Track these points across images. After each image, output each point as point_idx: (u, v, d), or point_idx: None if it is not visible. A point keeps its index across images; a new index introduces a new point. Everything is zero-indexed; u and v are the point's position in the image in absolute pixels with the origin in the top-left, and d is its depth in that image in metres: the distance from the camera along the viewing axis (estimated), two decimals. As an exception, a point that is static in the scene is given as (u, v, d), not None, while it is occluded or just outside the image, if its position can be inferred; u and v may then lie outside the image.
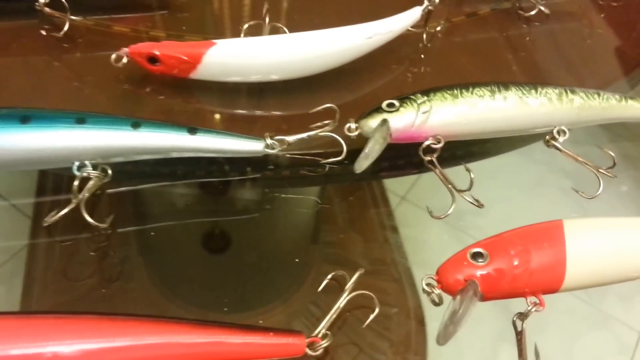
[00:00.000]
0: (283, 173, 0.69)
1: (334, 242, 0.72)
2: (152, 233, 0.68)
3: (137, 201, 0.74)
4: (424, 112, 0.63)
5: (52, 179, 0.73)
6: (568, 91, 0.68)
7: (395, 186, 0.73)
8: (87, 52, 0.75)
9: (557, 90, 0.67)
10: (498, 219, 0.67)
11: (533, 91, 0.66)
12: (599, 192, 0.65)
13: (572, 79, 0.83)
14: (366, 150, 0.60)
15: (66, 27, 0.73)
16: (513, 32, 0.88)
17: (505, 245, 0.53)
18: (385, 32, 0.72)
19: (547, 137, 0.68)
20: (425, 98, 0.64)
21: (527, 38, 0.87)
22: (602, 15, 0.93)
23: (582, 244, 0.54)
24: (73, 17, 0.74)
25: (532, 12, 0.86)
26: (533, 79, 0.81)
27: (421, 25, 0.79)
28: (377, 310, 0.53)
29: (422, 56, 0.81)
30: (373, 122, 0.62)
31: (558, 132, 0.68)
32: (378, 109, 0.63)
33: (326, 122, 0.62)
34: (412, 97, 0.64)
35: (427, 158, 0.64)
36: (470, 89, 0.65)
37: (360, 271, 0.53)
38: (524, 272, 0.52)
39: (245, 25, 0.74)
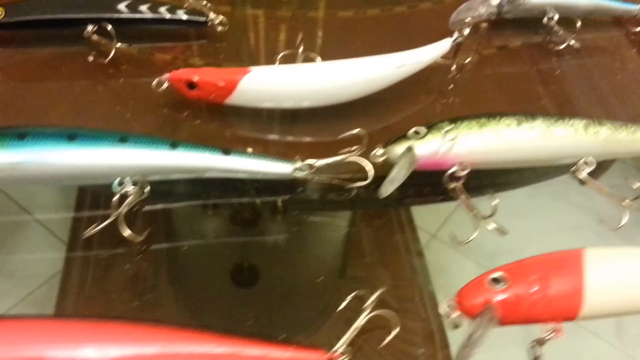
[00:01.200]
0: (312, 197, 0.72)
1: (361, 278, 0.74)
2: (180, 257, 0.71)
3: (169, 226, 0.78)
4: (450, 140, 0.65)
5: (90, 201, 0.78)
6: (595, 123, 0.69)
7: (426, 224, 0.75)
8: (129, 77, 0.79)
9: (583, 122, 0.69)
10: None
11: (560, 122, 0.68)
12: (623, 223, 0.66)
13: (601, 112, 0.84)
14: (391, 175, 0.63)
15: (112, 54, 0.78)
16: (543, 65, 0.90)
17: (525, 271, 0.55)
18: (414, 62, 0.75)
19: (573, 168, 0.69)
20: (452, 126, 0.66)
21: (557, 71, 0.89)
22: (634, 50, 0.95)
23: (602, 272, 0.55)
24: (119, 45, 0.79)
25: (562, 46, 0.88)
26: (562, 111, 0.83)
27: (450, 56, 0.81)
28: (397, 329, 0.55)
29: (451, 87, 0.83)
30: (399, 148, 0.65)
31: (585, 163, 0.69)
32: (405, 136, 0.66)
33: (354, 147, 0.65)
34: (439, 124, 0.66)
35: (452, 185, 0.67)
36: (497, 118, 0.67)
37: (382, 289, 0.55)
38: (542, 299, 0.53)
39: (280, 55, 0.78)
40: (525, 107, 0.83)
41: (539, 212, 0.78)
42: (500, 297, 0.53)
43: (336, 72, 0.72)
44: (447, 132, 0.65)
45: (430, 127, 0.66)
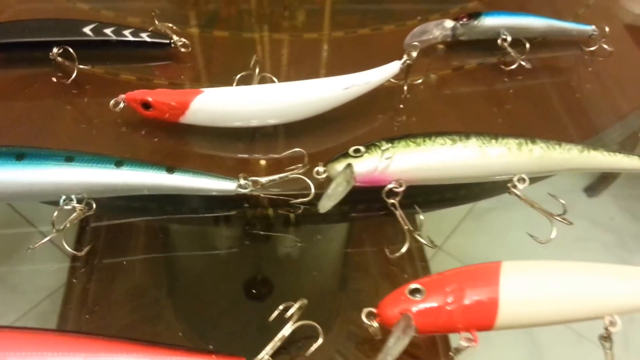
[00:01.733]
0: (259, 212, 0.75)
1: (364, 290, 0.76)
2: (181, 271, 0.74)
3: (168, 240, 0.81)
4: (387, 158, 0.69)
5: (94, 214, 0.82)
6: (528, 141, 0.72)
7: (432, 236, 0.77)
8: (93, 97, 0.84)
9: (517, 141, 0.72)
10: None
11: (493, 141, 0.71)
12: (553, 236, 0.69)
13: (553, 131, 0.87)
14: (329, 191, 0.66)
15: (74, 75, 0.83)
16: (497, 85, 0.93)
17: (442, 283, 0.58)
18: (363, 83, 0.78)
19: (509, 184, 0.72)
20: (389, 145, 0.70)
21: (511, 91, 0.92)
22: (590, 69, 0.98)
23: (516, 285, 0.58)
24: (81, 66, 0.83)
25: (513, 67, 0.91)
26: (513, 130, 0.85)
27: (402, 78, 0.85)
28: (320, 341, 0.58)
29: (404, 107, 0.86)
30: (339, 166, 0.69)
31: (518, 180, 0.71)
32: (345, 154, 0.70)
33: (297, 165, 0.69)
34: (377, 144, 0.70)
35: (390, 201, 0.70)
36: (433, 138, 0.70)
37: (302, 301, 0.58)
38: (457, 309, 0.56)
39: (238, 76, 0.82)
40: (477, 127, 0.85)
41: (543, 225, 0.80)
42: (416, 307, 0.56)
43: (284, 93, 0.75)
44: (384, 150, 0.69)
45: (369, 145, 0.69)
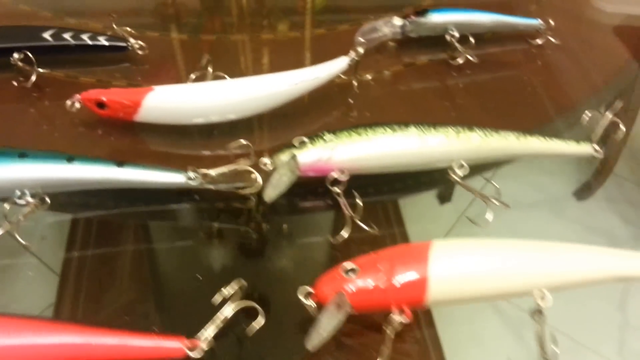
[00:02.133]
0: (208, 205, 0.78)
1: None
2: (170, 285, 0.76)
3: (158, 254, 0.83)
4: (330, 149, 0.72)
5: (82, 232, 0.84)
6: (466, 129, 0.75)
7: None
8: (53, 100, 0.86)
9: (455, 129, 0.75)
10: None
11: (432, 129, 0.74)
12: (489, 218, 0.72)
13: (500, 123, 0.89)
14: (273, 180, 0.69)
15: (33, 79, 0.86)
16: (447, 81, 0.96)
17: (375, 262, 0.61)
18: (311, 79, 0.81)
19: (449, 170, 0.75)
20: (332, 136, 0.73)
21: (460, 86, 0.96)
22: (538, 62, 1.02)
23: (445, 263, 0.60)
24: (40, 70, 0.87)
25: (460, 61, 0.95)
26: (461, 122, 0.89)
27: (351, 73, 0.88)
28: (261, 321, 0.60)
29: (354, 102, 0.89)
30: (284, 156, 0.72)
31: (458, 167, 0.75)
32: (290, 146, 0.73)
33: (245, 158, 0.72)
34: (321, 135, 0.73)
35: (335, 189, 0.73)
36: (374, 128, 0.74)
37: (239, 281, 0.61)
38: (389, 287, 0.59)
39: (192, 75, 0.85)
40: (428, 120, 0.89)
41: (538, 230, 0.82)
42: (350, 285, 0.59)
43: (234, 89, 0.78)
44: (327, 141, 0.72)
45: (313, 137, 0.73)
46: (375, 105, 0.91)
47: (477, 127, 0.76)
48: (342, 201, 0.72)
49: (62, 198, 0.73)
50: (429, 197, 0.86)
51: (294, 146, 0.73)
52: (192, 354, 0.56)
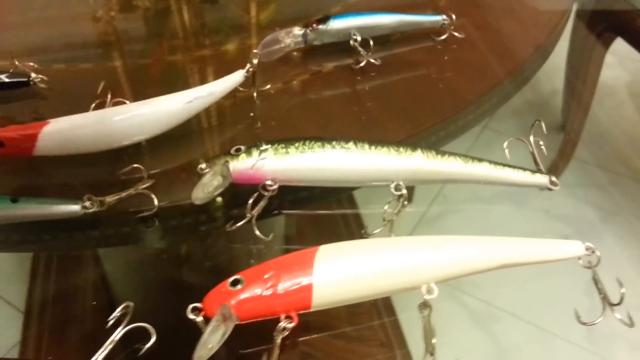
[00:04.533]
0: (112, 231, 0.80)
1: None
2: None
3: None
4: (262, 159, 0.74)
5: (43, 269, 0.85)
6: (409, 149, 0.76)
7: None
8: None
9: (396, 149, 0.76)
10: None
11: (372, 147, 0.76)
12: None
13: (405, 123, 0.92)
14: (203, 180, 0.72)
15: None
16: (354, 86, 0.98)
17: (261, 272, 0.63)
18: (206, 95, 0.83)
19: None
20: (268, 147, 0.75)
21: (366, 89, 0.98)
22: (445, 57, 1.05)
23: (329, 267, 0.62)
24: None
25: (362, 64, 0.97)
26: (369, 128, 0.91)
27: (251, 85, 0.91)
28: (152, 340, 0.62)
29: (256, 114, 0.91)
30: (218, 162, 0.74)
31: (395, 188, 0.75)
32: (227, 153, 0.75)
33: (142, 182, 0.74)
34: (257, 145, 0.75)
35: (265, 194, 0.74)
36: (310, 143, 0.76)
37: (127, 304, 0.63)
38: (274, 295, 0.61)
39: (93, 104, 0.87)
40: (333, 127, 0.92)
41: (503, 222, 0.83)
42: (235, 297, 0.61)
43: (127, 114, 0.80)
44: (261, 151, 0.74)
45: (249, 146, 0.75)
46: (279, 116, 0.93)
47: (421, 148, 0.77)
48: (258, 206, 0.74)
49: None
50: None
51: (229, 153, 0.75)
52: None
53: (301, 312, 0.62)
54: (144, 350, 0.62)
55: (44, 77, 0.93)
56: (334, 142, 0.75)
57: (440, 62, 1.02)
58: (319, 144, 0.75)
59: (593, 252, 0.66)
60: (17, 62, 0.95)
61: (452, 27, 1.04)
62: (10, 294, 0.79)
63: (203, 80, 0.94)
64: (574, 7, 1.33)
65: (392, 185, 0.75)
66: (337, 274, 0.62)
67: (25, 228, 0.76)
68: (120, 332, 0.60)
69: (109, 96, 0.86)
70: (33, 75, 0.92)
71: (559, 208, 0.87)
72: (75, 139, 0.80)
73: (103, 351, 0.59)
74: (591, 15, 1.45)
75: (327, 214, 0.88)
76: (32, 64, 0.96)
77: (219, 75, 0.88)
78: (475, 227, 0.76)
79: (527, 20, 1.17)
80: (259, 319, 0.63)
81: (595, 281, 0.66)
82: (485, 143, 0.83)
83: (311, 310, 0.63)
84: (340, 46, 1.02)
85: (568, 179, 0.94)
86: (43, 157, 0.81)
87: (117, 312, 0.60)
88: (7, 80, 0.92)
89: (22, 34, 1.12)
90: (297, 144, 0.75)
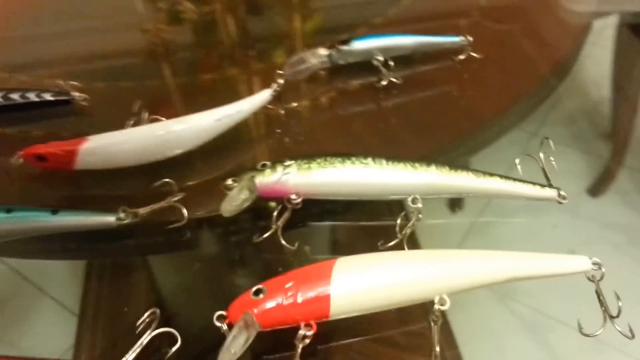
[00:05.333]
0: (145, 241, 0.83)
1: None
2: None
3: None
4: (286, 174, 0.76)
5: (97, 273, 0.88)
6: (424, 165, 0.77)
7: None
8: (3, 156, 0.91)
9: (412, 164, 0.77)
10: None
11: (389, 163, 0.77)
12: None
13: (424, 137, 0.94)
14: (231, 194, 0.74)
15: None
16: (378, 104, 1.00)
17: (282, 282, 0.65)
18: (234, 113, 0.86)
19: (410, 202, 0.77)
20: (292, 162, 0.77)
21: (390, 106, 1.00)
22: (464, 76, 1.06)
23: (346, 278, 0.64)
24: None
25: (384, 83, 0.99)
26: (388, 142, 0.93)
27: (278, 103, 0.93)
28: (178, 345, 0.64)
29: (282, 131, 0.94)
30: (245, 177, 0.76)
31: (412, 201, 0.77)
32: (253, 169, 0.77)
33: (175, 195, 0.77)
34: (282, 161, 0.77)
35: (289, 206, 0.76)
36: (331, 159, 0.77)
37: (154, 309, 0.65)
38: (294, 304, 0.63)
39: (130, 121, 0.90)
40: (359, 144, 0.94)
41: (552, 230, 0.82)
42: (257, 305, 0.63)
43: (159, 131, 0.83)
44: (285, 167, 0.76)
45: (274, 162, 0.77)
46: (307, 131, 0.95)
47: (436, 163, 0.78)
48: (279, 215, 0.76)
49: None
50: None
51: (256, 169, 0.77)
52: None
53: (321, 320, 0.63)
54: (170, 353, 0.63)
55: (86, 96, 0.96)
56: (353, 158, 0.77)
57: (459, 80, 1.03)
58: (340, 159, 0.77)
59: (599, 267, 0.66)
60: (61, 82, 0.98)
61: (470, 48, 1.04)
62: (65, 297, 0.81)
63: (249, 92, 0.96)
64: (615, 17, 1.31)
65: (409, 199, 0.76)
66: (353, 285, 0.64)
67: (66, 237, 0.79)
68: (147, 336, 0.62)
69: (146, 114, 0.89)
70: (75, 94, 0.96)
71: (610, 216, 0.86)
72: (112, 155, 0.83)
73: (131, 354, 0.61)
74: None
75: (351, 225, 0.89)
76: (74, 83, 1.00)
77: (265, 86, 0.92)
78: (526, 238, 0.77)
79: (545, 39, 1.17)
80: (280, 327, 0.64)
81: (598, 294, 0.66)
82: (535, 151, 0.82)
83: (330, 319, 0.64)
84: (364, 66, 1.03)
85: (619, 187, 0.92)
86: (82, 171, 0.84)
87: (144, 317, 0.62)
88: (51, 98, 0.95)
89: (65, 52, 1.17)
90: (319, 160, 0.77)
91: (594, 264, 0.67)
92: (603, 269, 0.66)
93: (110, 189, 0.87)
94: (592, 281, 0.67)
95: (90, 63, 1.15)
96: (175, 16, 1.28)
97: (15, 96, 0.95)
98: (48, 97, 0.96)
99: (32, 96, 0.96)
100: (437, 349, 0.63)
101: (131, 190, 0.86)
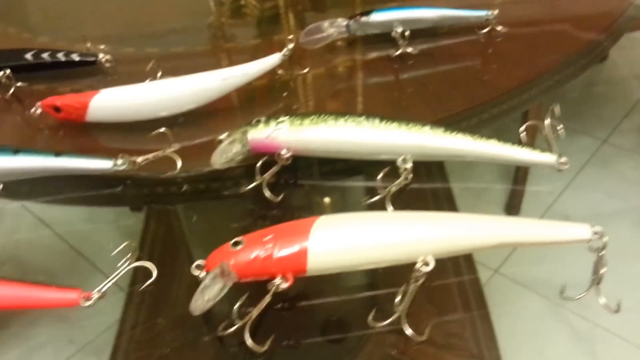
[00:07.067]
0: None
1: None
2: None
3: None
4: (278, 129, 0.72)
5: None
6: (418, 125, 0.72)
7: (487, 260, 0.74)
8: (29, 108, 0.90)
9: (407, 124, 0.72)
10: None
11: (383, 122, 0.72)
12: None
13: (434, 106, 0.87)
14: (221, 146, 0.71)
15: (12, 91, 0.90)
16: (393, 74, 0.94)
17: (261, 235, 0.60)
18: (240, 75, 0.82)
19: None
20: (285, 118, 0.73)
21: (404, 76, 0.93)
22: (486, 50, 0.98)
23: (325, 235, 0.59)
24: (19, 84, 0.91)
25: (398, 53, 0.93)
26: (398, 109, 0.87)
27: (289, 68, 0.88)
28: (154, 277, 0.61)
29: (294, 95, 0.90)
30: (238, 131, 0.73)
31: (403, 161, 0.71)
32: (247, 124, 0.74)
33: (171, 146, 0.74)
34: (276, 117, 0.74)
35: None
36: (324, 116, 0.73)
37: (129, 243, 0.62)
38: (270, 256, 0.59)
39: (146, 80, 0.87)
40: (365, 109, 0.89)
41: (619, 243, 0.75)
42: (234, 256, 0.59)
43: (169, 87, 0.80)
44: (278, 122, 0.72)
45: (268, 118, 0.74)
46: (318, 97, 0.92)
47: (431, 124, 0.73)
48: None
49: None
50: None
51: (250, 124, 0.74)
52: (84, 304, 0.59)
53: (299, 275, 0.59)
54: (144, 286, 0.62)
55: (110, 57, 0.94)
56: (346, 116, 0.72)
57: (480, 54, 0.96)
58: (333, 117, 0.72)
59: (601, 236, 0.58)
60: (89, 44, 0.97)
61: (496, 21, 0.96)
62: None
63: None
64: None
65: (400, 159, 0.70)
66: (332, 241, 0.59)
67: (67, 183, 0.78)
68: (125, 268, 0.61)
69: (159, 73, 0.86)
70: (101, 55, 0.94)
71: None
72: (119, 109, 0.82)
73: (108, 283, 0.60)
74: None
75: (345, 185, 0.83)
76: (102, 46, 0.97)
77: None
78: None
79: (578, 19, 1.07)
80: (258, 279, 0.60)
81: (596, 264, 0.58)
82: (603, 157, 0.75)
83: (308, 275, 0.59)
84: (384, 37, 0.96)
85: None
86: (94, 124, 0.83)
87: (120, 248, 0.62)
88: (77, 59, 0.94)
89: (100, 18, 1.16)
90: (312, 117, 0.72)
91: (595, 232, 0.58)
92: (605, 239, 0.58)
93: (116, 142, 0.84)
94: (595, 251, 0.59)
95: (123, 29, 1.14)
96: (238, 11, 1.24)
97: (45, 56, 0.94)
98: (75, 57, 0.94)
99: (60, 56, 0.94)
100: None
101: (137, 145, 0.82)
